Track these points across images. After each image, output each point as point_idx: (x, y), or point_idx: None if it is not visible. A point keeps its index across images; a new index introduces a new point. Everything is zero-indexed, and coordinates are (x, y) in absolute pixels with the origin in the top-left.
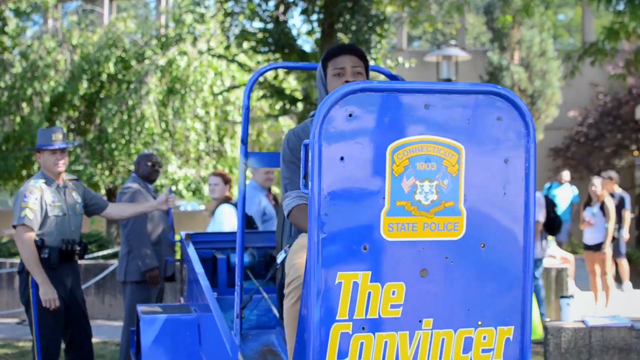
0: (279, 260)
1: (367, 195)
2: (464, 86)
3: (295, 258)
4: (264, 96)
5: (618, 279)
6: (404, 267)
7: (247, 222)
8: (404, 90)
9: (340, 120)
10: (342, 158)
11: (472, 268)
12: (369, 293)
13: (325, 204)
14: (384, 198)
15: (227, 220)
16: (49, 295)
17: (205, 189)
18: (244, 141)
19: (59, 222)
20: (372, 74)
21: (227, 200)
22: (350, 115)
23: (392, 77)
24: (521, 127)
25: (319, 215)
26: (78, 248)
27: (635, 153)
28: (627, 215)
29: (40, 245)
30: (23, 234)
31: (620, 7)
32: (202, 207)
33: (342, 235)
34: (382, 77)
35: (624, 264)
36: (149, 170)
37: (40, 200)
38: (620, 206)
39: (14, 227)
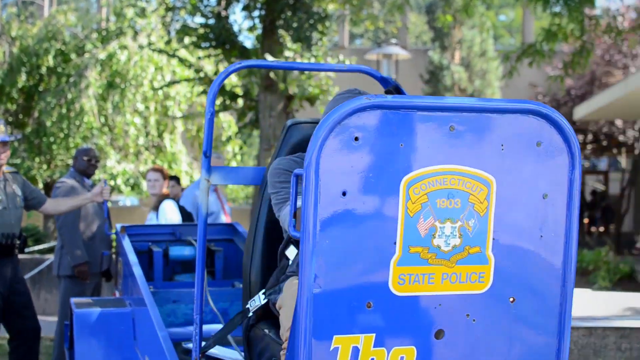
0: (251, 307)
1: (375, 239)
2: (498, 103)
3: (292, 303)
4: (204, 92)
5: None
6: (415, 327)
7: (188, 218)
8: (424, 107)
9: (343, 145)
10: (344, 193)
11: (499, 327)
12: None
13: (321, 250)
14: (395, 243)
15: (172, 215)
16: None
17: (144, 184)
18: (207, 154)
19: (1, 216)
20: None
21: (166, 196)
22: (356, 138)
23: (384, 81)
24: (565, 154)
25: (312, 264)
26: (18, 242)
27: None
28: None
29: None
30: None
31: (557, 8)
32: (137, 202)
33: (341, 289)
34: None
35: None
36: (85, 165)
37: None
38: None
39: None
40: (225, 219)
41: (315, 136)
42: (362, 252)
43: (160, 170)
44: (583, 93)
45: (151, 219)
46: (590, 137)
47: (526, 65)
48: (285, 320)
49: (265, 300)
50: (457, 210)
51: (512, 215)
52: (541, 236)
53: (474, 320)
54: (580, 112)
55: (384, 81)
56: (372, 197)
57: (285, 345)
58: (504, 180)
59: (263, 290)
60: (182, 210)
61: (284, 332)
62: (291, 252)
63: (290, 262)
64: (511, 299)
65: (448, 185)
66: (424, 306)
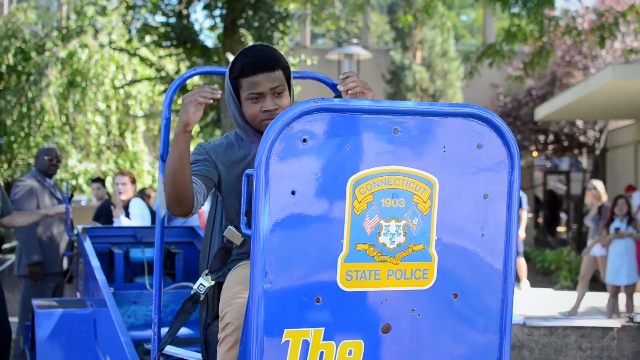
0: (198, 289)
1: (322, 237)
2: (440, 107)
3: (231, 295)
4: (165, 91)
5: (516, 278)
6: (363, 322)
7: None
8: (370, 110)
9: (292, 146)
10: (293, 192)
11: (443, 323)
12: (321, 353)
13: (271, 247)
14: (342, 241)
15: (142, 211)
16: None
17: (106, 183)
18: (164, 158)
19: None
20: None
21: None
22: (304, 140)
23: (335, 87)
24: (504, 156)
25: (262, 261)
26: None
27: (535, 154)
28: (524, 215)
29: None
30: None
31: (516, 9)
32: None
33: (290, 285)
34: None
35: (522, 262)
36: (47, 165)
37: None
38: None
39: None
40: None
41: (264, 138)
42: (311, 249)
43: (128, 174)
44: (544, 93)
45: (120, 222)
46: (551, 137)
47: (487, 65)
48: (221, 304)
49: (213, 283)
50: (401, 209)
51: (454, 214)
52: (482, 235)
53: (419, 315)
54: (542, 112)
55: (334, 87)
56: (320, 196)
57: (221, 333)
58: (446, 181)
59: (206, 272)
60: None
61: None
62: (230, 233)
63: (235, 244)
64: (454, 295)
65: (392, 186)
66: (371, 301)
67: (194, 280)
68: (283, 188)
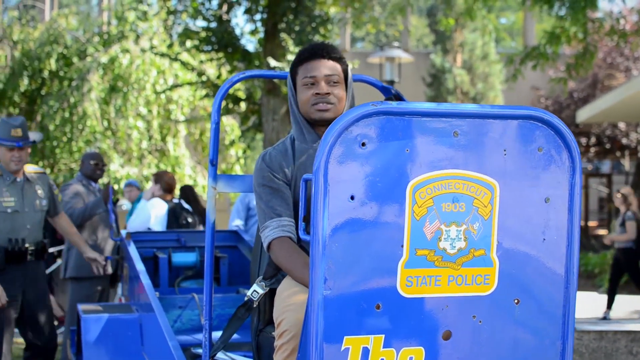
0: (252, 295)
1: (382, 242)
2: (500, 110)
3: (286, 302)
4: (206, 95)
5: None
6: (423, 328)
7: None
8: (429, 113)
9: (350, 150)
10: (352, 197)
11: (504, 329)
12: None
13: (331, 253)
14: (402, 246)
15: (159, 210)
16: None
17: (148, 187)
18: (213, 162)
19: (8, 219)
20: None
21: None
22: (363, 144)
23: (384, 90)
24: (566, 159)
25: (322, 267)
26: (32, 247)
27: None
28: None
29: None
30: None
31: (562, 12)
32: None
33: (350, 291)
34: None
35: None
36: (92, 169)
37: None
38: None
39: None
40: None
41: (323, 142)
42: (371, 255)
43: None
44: (585, 96)
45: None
46: (593, 140)
47: (529, 68)
48: (276, 311)
49: (267, 289)
50: (462, 213)
51: (515, 218)
52: (544, 239)
53: (480, 321)
54: (583, 115)
55: (384, 90)
56: (379, 201)
57: (278, 341)
58: (506, 185)
59: (259, 279)
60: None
61: (276, 326)
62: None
63: None
64: (516, 301)
65: (453, 190)
66: (431, 308)
67: (239, 285)
68: (342, 193)
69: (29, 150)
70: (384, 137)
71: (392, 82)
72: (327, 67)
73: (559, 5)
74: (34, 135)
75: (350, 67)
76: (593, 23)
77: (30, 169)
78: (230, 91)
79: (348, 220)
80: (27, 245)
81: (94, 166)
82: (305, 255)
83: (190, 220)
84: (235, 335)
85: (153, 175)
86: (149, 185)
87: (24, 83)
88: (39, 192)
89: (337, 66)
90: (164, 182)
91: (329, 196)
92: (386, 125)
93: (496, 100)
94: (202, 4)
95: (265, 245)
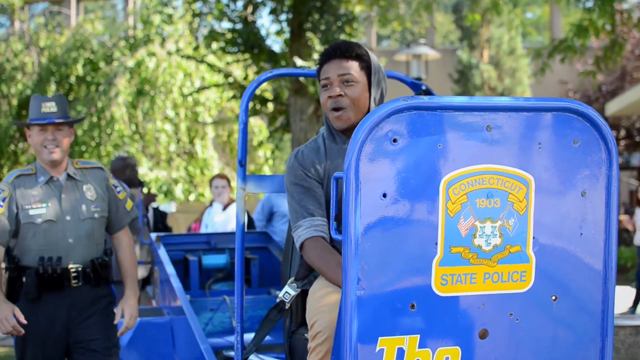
0: (284, 297)
1: (416, 240)
2: (534, 102)
3: (320, 303)
4: (234, 97)
5: None
6: (460, 327)
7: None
8: (462, 107)
9: (382, 147)
10: (384, 195)
11: (542, 326)
12: None
13: (363, 252)
14: (436, 244)
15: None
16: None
17: (177, 191)
18: (242, 163)
19: (42, 233)
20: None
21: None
22: (394, 140)
23: (414, 85)
24: (602, 151)
25: (354, 267)
26: (76, 268)
27: None
28: None
29: (12, 266)
30: None
31: (590, 4)
32: (174, 209)
33: (384, 291)
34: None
35: None
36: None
37: (8, 201)
38: None
39: None
40: None
41: (353, 139)
42: (404, 253)
43: (226, 178)
44: (614, 89)
45: (210, 221)
46: (623, 132)
47: (556, 61)
48: (309, 312)
49: (299, 290)
50: (496, 209)
51: (551, 213)
52: (581, 234)
53: (517, 319)
54: (612, 108)
55: (414, 86)
56: (412, 198)
57: (312, 342)
58: (542, 179)
59: (291, 280)
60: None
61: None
62: None
63: None
64: (553, 298)
65: (487, 185)
66: (467, 306)
67: (270, 286)
68: (374, 191)
69: (72, 134)
70: (416, 132)
71: (419, 79)
72: (340, 66)
73: None
74: (78, 119)
75: (376, 61)
76: (621, 15)
77: (80, 163)
78: (258, 92)
79: (380, 219)
80: (69, 265)
81: (130, 172)
82: (339, 255)
83: None
84: (267, 337)
85: (225, 178)
86: (178, 188)
87: (52, 89)
88: (89, 193)
89: (354, 64)
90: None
91: (360, 195)
92: (418, 120)
93: (524, 95)
94: (227, 5)
95: (297, 245)
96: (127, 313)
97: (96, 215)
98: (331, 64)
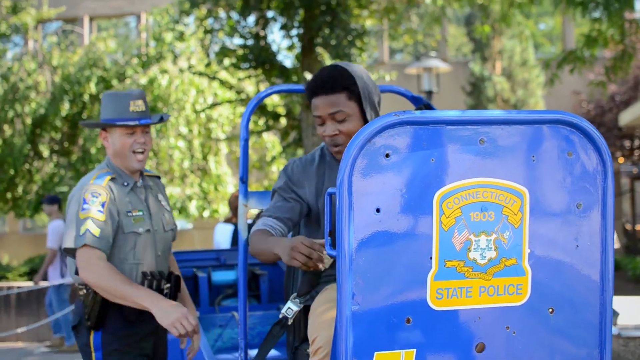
0: (286, 312)
1: (410, 255)
2: (527, 115)
3: (320, 319)
4: None
5: None
6: (456, 341)
7: None
8: (454, 121)
9: (374, 162)
10: (377, 210)
11: (539, 339)
12: None
13: (358, 267)
14: (431, 258)
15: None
16: (172, 317)
17: (191, 207)
18: (244, 179)
19: (140, 244)
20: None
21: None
22: (387, 155)
23: (415, 99)
24: (597, 163)
25: (349, 282)
26: (167, 285)
27: (620, 160)
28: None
29: None
30: (88, 260)
31: (597, 14)
32: (190, 225)
33: (379, 306)
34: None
35: None
36: None
37: (108, 206)
38: None
39: (68, 252)
40: None
41: (346, 155)
42: (399, 268)
43: None
44: (628, 98)
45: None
46: (637, 142)
47: (568, 72)
48: (310, 328)
49: (302, 306)
50: (491, 222)
51: (546, 226)
52: (577, 246)
53: (514, 332)
54: (626, 117)
55: (415, 100)
56: (405, 213)
57: (312, 358)
58: (536, 192)
59: (294, 296)
60: None
61: (310, 343)
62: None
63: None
64: (550, 310)
65: (481, 198)
66: (464, 320)
67: (279, 302)
68: (367, 206)
69: (151, 137)
70: (409, 147)
71: (430, 93)
72: (328, 103)
73: (593, 7)
74: (165, 115)
75: (363, 81)
76: (630, 24)
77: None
78: (270, 107)
79: (374, 234)
80: (163, 282)
81: None
82: (279, 237)
83: None
84: (274, 352)
85: None
86: (192, 205)
87: (65, 107)
88: (164, 202)
89: (342, 97)
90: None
91: (354, 210)
92: (410, 135)
93: (537, 107)
94: (239, 21)
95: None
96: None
97: (173, 227)
98: (319, 100)
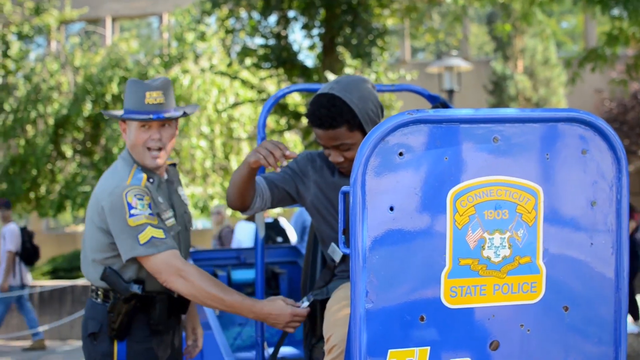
0: (302, 306)
1: (424, 253)
2: (541, 113)
3: (335, 317)
4: None
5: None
6: (470, 339)
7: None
8: (468, 120)
9: (388, 161)
10: (391, 208)
11: (554, 337)
12: None
13: (371, 265)
14: (444, 256)
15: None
16: (284, 319)
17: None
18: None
19: None
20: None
21: None
22: (400, 154)
23: (432, 98)
24: (611, 161)
25: (363, 280)
26: None
27: None
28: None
29: (140, 293)
30: (170, 267)
31: (616, 12)
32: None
33: (393, 304)
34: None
35: None
36: None
37: (154, 208)
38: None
39: (129, 260)
40: None
41: (359, 153)
42: (413, 266)
43: None
44: None
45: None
46: None
47: (590, 71)
48: (325, 326)
49: (312, 300)
50: (505, 221)
51: (561, 224)
52: (591, 244)
53: (528, 330)
54: None
55: (431, 99)
56: (419, 211)
57: (327, 356)
58: (550, 190)
59: (309, 293)
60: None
61: (325, 341)
62: (332, 250)
63: (336, 262)
64: (565, 308)
65: (495, 197)
66: (478, 318)
67: (299, 300)
68: (381, 204)
69: (176, 129)
70: (422, 145)
71: (451, 92)
72: (330, 138)
73: (615, 5)
74: (190, 109)
75: (363, 105)
76: None
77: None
78: (291, 107)
79: (388, 232)
80: None
81: None
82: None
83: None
84: (291, 350)
85: None
86: (214, 204)
87: (88, 108)
88: (183, 197)
89: (343, 131)
90: None
91: (367, 208)
92: (424, 133)
93: (559, 105)
94: (260, 21)
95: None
96: (199, 335)
97: (192, 222)
98: (320, 132)
